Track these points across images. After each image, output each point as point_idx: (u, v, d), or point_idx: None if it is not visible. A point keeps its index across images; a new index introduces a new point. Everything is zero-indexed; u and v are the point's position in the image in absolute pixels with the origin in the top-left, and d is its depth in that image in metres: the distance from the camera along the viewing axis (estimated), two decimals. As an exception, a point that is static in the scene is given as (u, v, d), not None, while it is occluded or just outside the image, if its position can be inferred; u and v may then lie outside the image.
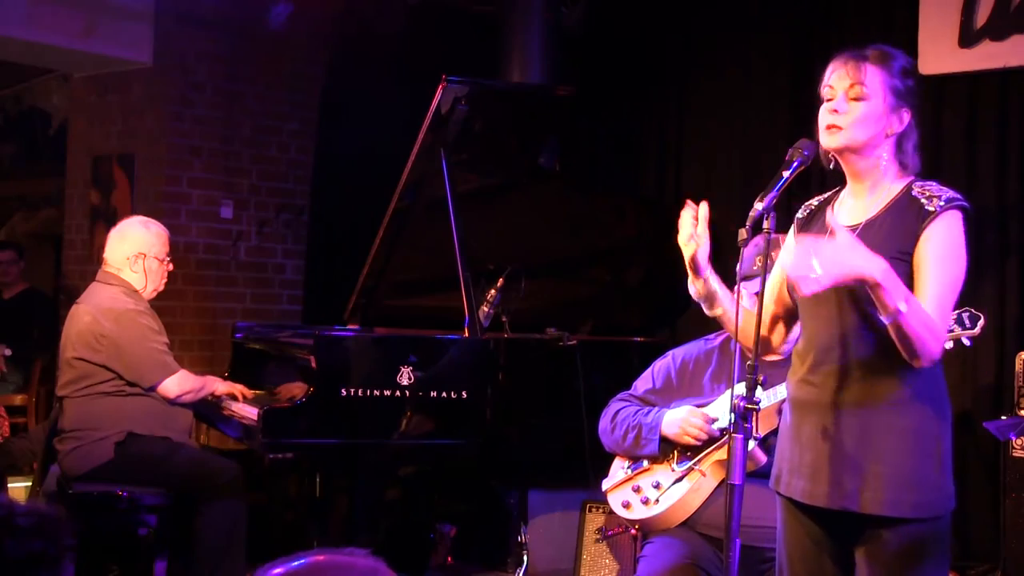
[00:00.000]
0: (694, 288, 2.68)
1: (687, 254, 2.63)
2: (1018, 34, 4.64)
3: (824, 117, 2.49)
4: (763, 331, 2.62)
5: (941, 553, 2.48)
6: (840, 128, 2.47)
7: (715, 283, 2.66)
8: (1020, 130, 4.74)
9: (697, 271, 2.64)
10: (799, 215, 2.69)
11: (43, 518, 1.60)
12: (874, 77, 2.45)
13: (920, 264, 2.42)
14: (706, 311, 2.72)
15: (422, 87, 4.28)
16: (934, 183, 2.50)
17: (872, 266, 2.26)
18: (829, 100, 2.50)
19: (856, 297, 2.42)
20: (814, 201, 2.68)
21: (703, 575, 3.29)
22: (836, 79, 2.49)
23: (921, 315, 2.32)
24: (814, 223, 2.63)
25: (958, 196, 2.46)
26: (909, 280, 2.40)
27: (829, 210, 2.58)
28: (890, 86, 2.46)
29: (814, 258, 2.25)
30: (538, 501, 4.71)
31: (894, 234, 2.44)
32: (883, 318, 2.32)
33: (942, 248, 2.41)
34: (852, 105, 2.46)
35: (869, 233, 2.46)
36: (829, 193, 2.66)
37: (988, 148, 4.82)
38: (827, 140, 2.49)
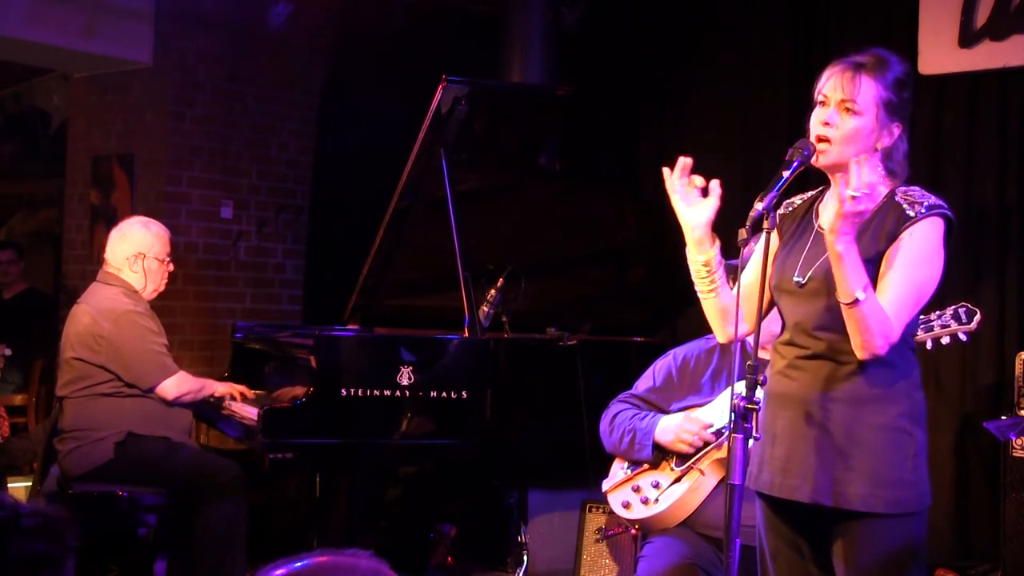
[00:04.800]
0: (697, 259, 2.60)
1: (694, 219, 2.54)
2: (1018, 34, 4.63)
3: (815, 127, 2.50)
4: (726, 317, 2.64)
5: (916, 550, 2.49)
6: (830, 143, 2.47)
7: (717, 251, 2.60)
8: (1020, 130, 4.74)
9: (701, 241, 2.56)
10: (780, 211, 2.69)
11: (47, 519, 1.60)
12: (868, 92, 2.45)
13: (891, 263, 2.44)
14: (702, 290, 2.63)
15: (422, 87, 4.28)
16: (917, 188, 2.51)
17: (842, 244, 2.32)
18: (822, 105, 2.50)
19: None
20: (796, 200, 2.70)
21: (703, 575, 3.29)
22: (830, 89, 2.49)
23: (877, 310, 2.36)
24: (797, 221, 2.64)
25: (941, 203, 2.47)
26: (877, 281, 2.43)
27: (814, 212, 2.59)
28: (883, 101, 2.46)
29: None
30: (538, 501, 4.71)
31: (874, 238, 2.46)
32: (841, 300, 2.35)
33: (916, 252, 2.43)
34: (844, 119, 2.46)
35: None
36: (813, 193, 2.67)
37: (988, 148, 4.81)
38: (816, 156, 2.49)
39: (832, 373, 2.47)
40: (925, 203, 2.45)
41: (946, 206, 2.47)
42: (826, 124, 2.47)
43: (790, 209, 2.68)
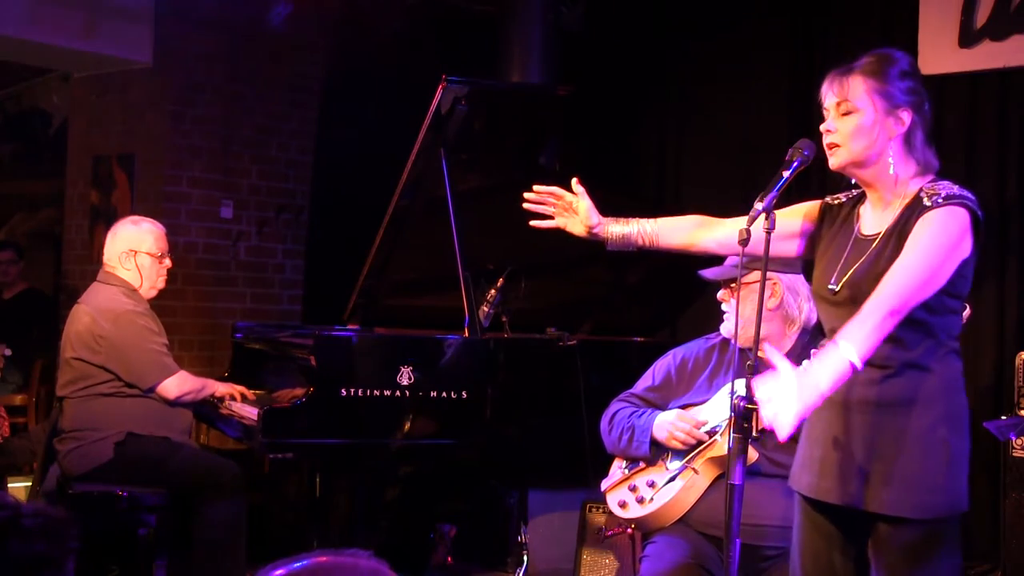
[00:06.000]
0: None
1: (586, 231, 2.88)
2: (1018, 34, 4.64)
3: (823, 137, 2.52)
4: (707, 231, 2.78)
5: (948, 555, 2.48)
6: (837, 146, 2.49)
7: (619, 226, 2.90)
8: (1020, 130, 4.74)
9: (610, 240, 2.86)
10: (828, 200, 2.67)
11: (49, 520, 1.60)
12: (858, 88, 2.46)
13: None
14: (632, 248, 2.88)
15: (422, 87, 4.28)
16: (946, 182, 2.49)
17: (816, 397, 2.24)
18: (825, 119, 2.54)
19: None
20: (842, 197, 2.66)
21: (706, 574, 3.29)
22: (827, 99, 2.52)
23: (865, 329, 2.29)
24: (840, 223, 2.62)
25: (963, 194, 2.44)
26: None
27: (855, 216, 2.58)
28: (878, 92, 2.46)
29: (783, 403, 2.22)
30: (538, 501, 4.71)
31: (899, 242, 2.45)
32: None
33: (920, 237, 2.39)
34: (842, 121, 2.48)
35: (884, 244, 2.48)
36: (856, 194, 2.63)
37: (988, 148, 4.82)
38: (830, 161, 2.51)
39: (868, 378, 2.45)
40: (943, 193, 2.43)
41: (968, 196, 2.43)
42: (828, 131, 2.51)
43: (836, 203, 2.66)
